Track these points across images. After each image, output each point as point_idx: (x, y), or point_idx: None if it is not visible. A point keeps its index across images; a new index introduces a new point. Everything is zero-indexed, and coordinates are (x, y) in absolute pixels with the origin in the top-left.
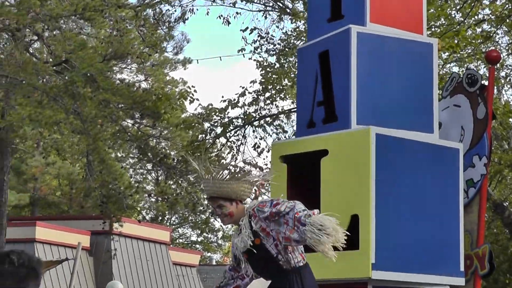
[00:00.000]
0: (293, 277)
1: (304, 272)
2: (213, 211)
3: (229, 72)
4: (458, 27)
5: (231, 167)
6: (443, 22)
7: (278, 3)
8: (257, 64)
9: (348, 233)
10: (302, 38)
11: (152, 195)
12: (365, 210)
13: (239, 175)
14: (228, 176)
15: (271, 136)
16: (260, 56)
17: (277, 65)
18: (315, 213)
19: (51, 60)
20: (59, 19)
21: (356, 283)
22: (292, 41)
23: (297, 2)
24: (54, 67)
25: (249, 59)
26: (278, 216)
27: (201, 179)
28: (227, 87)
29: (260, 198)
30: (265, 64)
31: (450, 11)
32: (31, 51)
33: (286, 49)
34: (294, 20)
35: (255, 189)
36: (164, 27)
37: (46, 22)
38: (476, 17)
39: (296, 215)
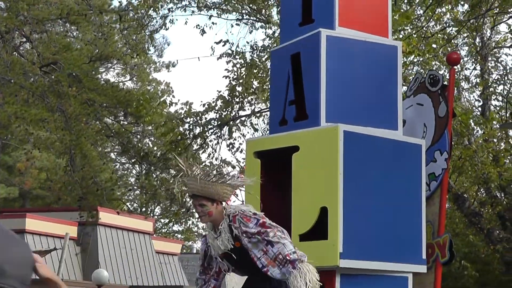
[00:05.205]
0: None
1: None
2: (193, 208)
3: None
4: (423, 30)
5: (217, 169)
6: (407, 28)
7: (254, 11)
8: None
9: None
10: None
11: (135, 187)
12: (333, 203)
13: (225, 178)
14: (214, 178)
15: (244, 136)
16: (231, 67)
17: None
18: (304, 260)
19: (38, 61)
20: (46, 23)
21: (325, 271)
22: (259, 53)
23: (272, 7)
24: (42, 68)
25: (217, 59)
26: (261, 241)
27: (186, 176)
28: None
29: (237, 203)
30: (234, 75)
31: (413, 18)
32: (21, 52)
33: (256, 58)
34: (267, 27)
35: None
36: (147, 31)
37: (33, 25)
38: (439, 22)
39: (287, 257)
